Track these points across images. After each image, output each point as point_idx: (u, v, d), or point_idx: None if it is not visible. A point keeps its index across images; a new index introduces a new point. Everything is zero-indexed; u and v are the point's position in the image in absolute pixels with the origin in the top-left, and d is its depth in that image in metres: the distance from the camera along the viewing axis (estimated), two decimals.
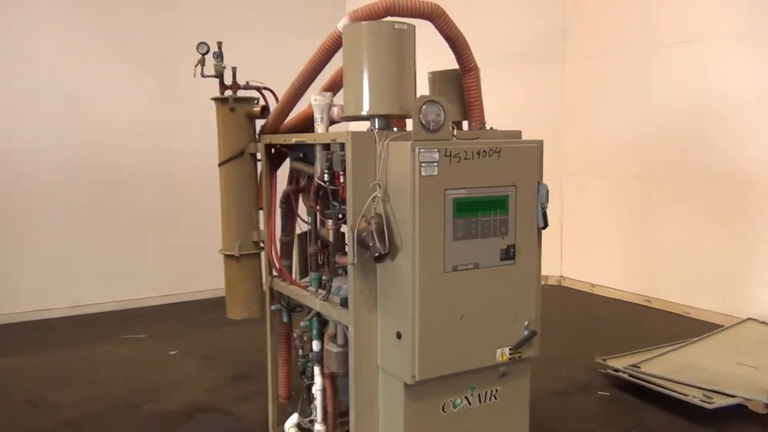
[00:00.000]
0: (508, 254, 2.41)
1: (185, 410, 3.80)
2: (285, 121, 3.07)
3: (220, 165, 3.16)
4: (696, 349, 4.34)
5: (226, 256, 3.20)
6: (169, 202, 6.34)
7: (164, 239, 6.33)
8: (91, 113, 5.96)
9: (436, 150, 2.22)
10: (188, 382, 4.25)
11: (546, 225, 2.46)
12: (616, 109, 6.32)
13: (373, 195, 2.31)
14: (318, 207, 2.68)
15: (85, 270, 6.01)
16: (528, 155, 2.43)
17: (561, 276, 6.99)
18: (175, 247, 6.35)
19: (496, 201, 2.37)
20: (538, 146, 2.45)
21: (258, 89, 3.22)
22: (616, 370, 4.05)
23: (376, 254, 2.26)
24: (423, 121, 2.25)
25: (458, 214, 2.30)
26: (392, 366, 2.40)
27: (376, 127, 2.46)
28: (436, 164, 2.23)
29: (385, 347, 2.43)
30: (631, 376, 3.93)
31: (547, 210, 2.47)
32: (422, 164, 2.20)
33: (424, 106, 2.25)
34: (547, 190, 2.45)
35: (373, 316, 2.45)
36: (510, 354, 2.46)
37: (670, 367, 3.98)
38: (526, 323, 2.47)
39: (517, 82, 6.69)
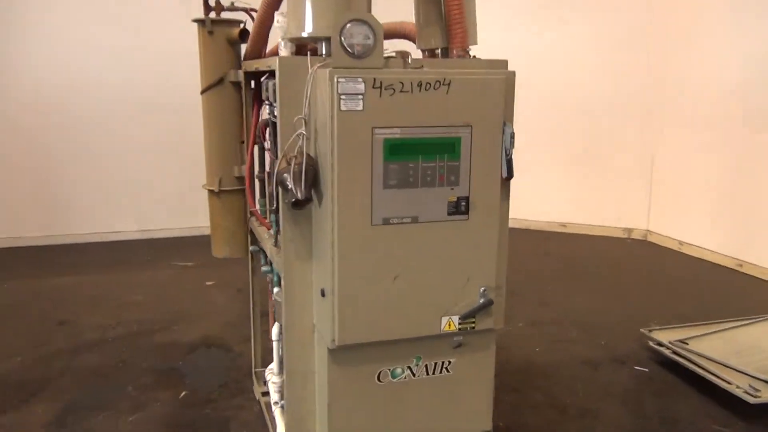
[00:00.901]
0: (459, 208, 2.03)
1: (192, 344, 3.78)
2: (271, 47, 2.78)
3: (201, 93, 2.96)
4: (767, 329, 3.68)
5: (209, 191, 3.03)
6: None
7: None
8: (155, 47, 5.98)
9: (360, 80, 1.86)
10: (209, 315, 4.23)
11: (510, 175, 2.04)
12: (720, 47, 5.39)
13: (298, 131, 2.00)
14: (266, 142, 2.41)
15: (153, 196, 6.18)
16: (489, 90, 1.99)
17: (647, 230, 6.27)
18: None
19: (443, 144, 1.98)
20: (502, 79, 2.00)
21: (245, 10, 2.94)
22: (660, 344, 3.52)
23: (293, 200, 1.97)
24: (346, 45, 1.88)
25: (391, 158, 1.94)
26: (320, 325, 2.13)
27: (323, 52, 2.11)
28: (360, 97, 1.87)
29: (316, 303, 2.17)
30: (674, 353, 3.40)
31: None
32: (342, 96, 1.85)
33: (348, 26, 1.87)
34: (513, 134, 2.02)
35: (307, 267, 2.17)
36: (459, 324, 2.11)
37: (727, 348, 3.40)
38: (482, 289, 2.10)
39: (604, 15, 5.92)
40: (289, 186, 1.97)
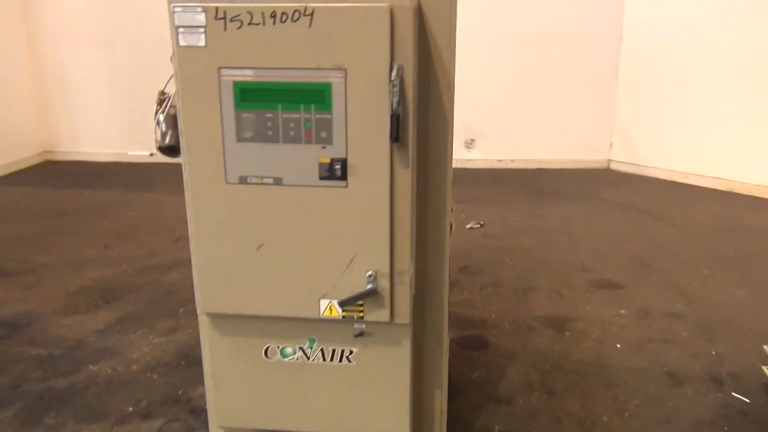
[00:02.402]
0: (334, 172, 1.64)
1: None
2: None
3: None
4: None
5: None
6: None
7: None
8: None
9: (200, 9, 1.55)
10: None
11: (396, 138, 1.57)
12: None
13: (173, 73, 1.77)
14: None
15: None
16: (366, 23, 1.53)
17: None
18: None
19: (309, 91, 1.59)
20: (385, 7, 1.52)
21: None
22: None
23: (158, 146, 1.78)
24: None
25: (243, 105, 1.62)
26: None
27: None
28: (202, 30, 1.57)
29: None
30: None
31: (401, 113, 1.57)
32: (180, 29, 1.58)
33: None
34: (399, 81, 1.54)
35: None
36: (343, 311, 1.75)
37: None
38: (369, 273, 1.70)
39: None
40: (163, 129, 1.78)
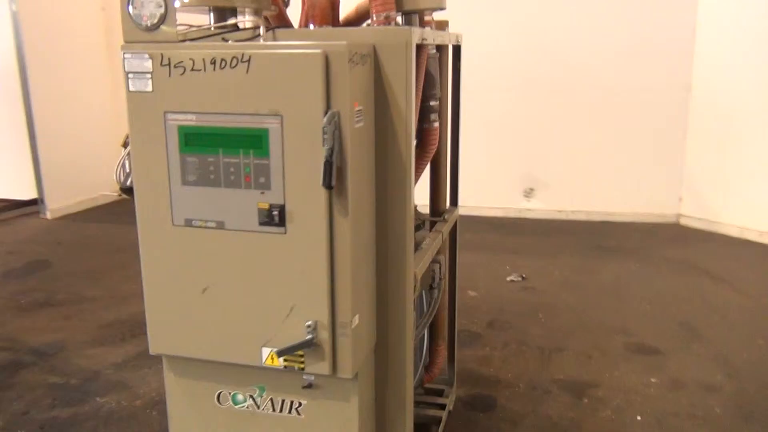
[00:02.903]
0: (272, 218, 1.61)
1: None
2: None
3: None
4: None
5: None
6: None
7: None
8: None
9: (147, 56, 1.60)
10: None
11: (329, 185, 1.53)
12: None
13: None
14: None
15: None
16: (301, 69, 1.51)
17: None
18: None
19: (247, 136, 1.59)
20: (318, 54, 1.50)
21: None
22: None
23: (120, 187, 1.82)
24: (133, 15, 1.63)
25: (187, 149, 1.63)
26: None
27: (211, 21, 1.87)
28: (149, 76, 1.61)
29: None
30: None
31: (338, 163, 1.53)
32: (130, 75, 1.62)
33: None
34: (335, 129, 1.50)
35: None
36: (284, 361, 1.70)
37: None
38: (308, 324, 1.65)
39: None
40: (127, 170, 1.83)
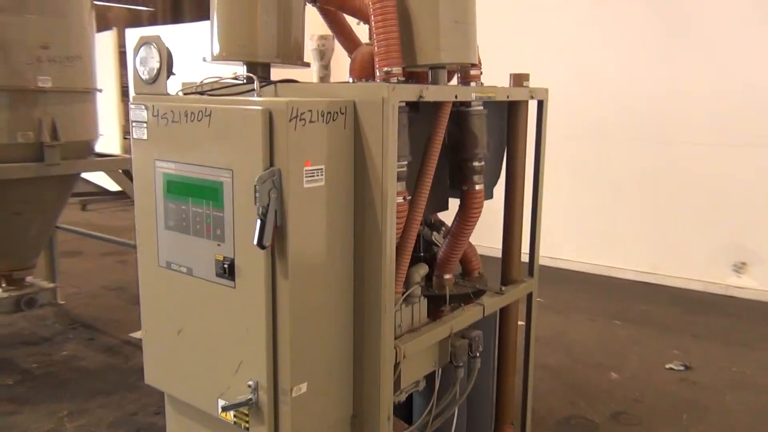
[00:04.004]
0: (224, 270, 1.61)
1: None
2: None
3: None
4: None
5: None
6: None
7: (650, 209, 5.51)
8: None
9: (143, 107, 1.73)
10: None
11: (260, 245, 1.47)
12: None
13: None
14: None
15: (563, 225, 5.95)
16: (247, 125, 1.50)
17: None
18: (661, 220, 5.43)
19: (207, 188, 1.61)
20: (258, 111, 1.46)
21: None
22: None
23: None
24: (138, 70, 1.75)
25: (169, 196, 1.72)
26: None
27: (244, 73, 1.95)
28: (145, 125, 1.74)
29: None
30: None
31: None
32: (134, 124, 1.77)
33: (141, 49, 1.74)
34: (272, 188, 1.46)
35: None
36: (234, 416, 1.67)
37: None
38: (251, 383, 1.61)
39: None
40: None
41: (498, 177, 2.32)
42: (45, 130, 3.33)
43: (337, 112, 1.57)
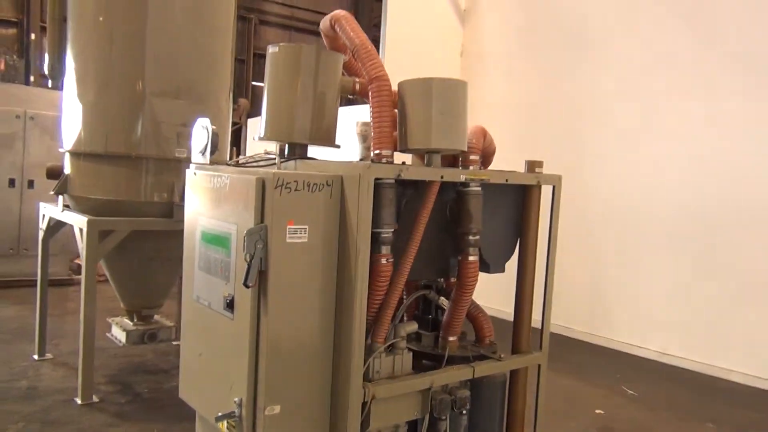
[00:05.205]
0: (228, 304, 2.01)
1: None
2: None
3: None
4: None
5: None
6: None
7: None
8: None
9: (194, 173, 2.22)
10: None
11: (245, 284, 1.85)
12: None
13: None
14: None
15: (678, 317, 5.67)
16: (244, 190, 1.91)
17: None
18: None
19: (222, 237, 2.04)
20: (251, 180, 1.87)
21: None
22: None
23: None
24: (193, 145, 2.25)
25: (203, 242, 2.17)
26: None
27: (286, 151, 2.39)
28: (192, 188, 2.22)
29: None
30: None
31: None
32: (188, 185, 2.26)
33: (195, 130, 2.24)
34: (259, 239, 1.84)
35: None
36: (226, 428, 2.02)
37: None
38: (237, 400, 1.95)
39: None
40: None
41: (511, 253, 2.51)
42: (176, 192, 4.03)
43: (323, 184, 1.93)
